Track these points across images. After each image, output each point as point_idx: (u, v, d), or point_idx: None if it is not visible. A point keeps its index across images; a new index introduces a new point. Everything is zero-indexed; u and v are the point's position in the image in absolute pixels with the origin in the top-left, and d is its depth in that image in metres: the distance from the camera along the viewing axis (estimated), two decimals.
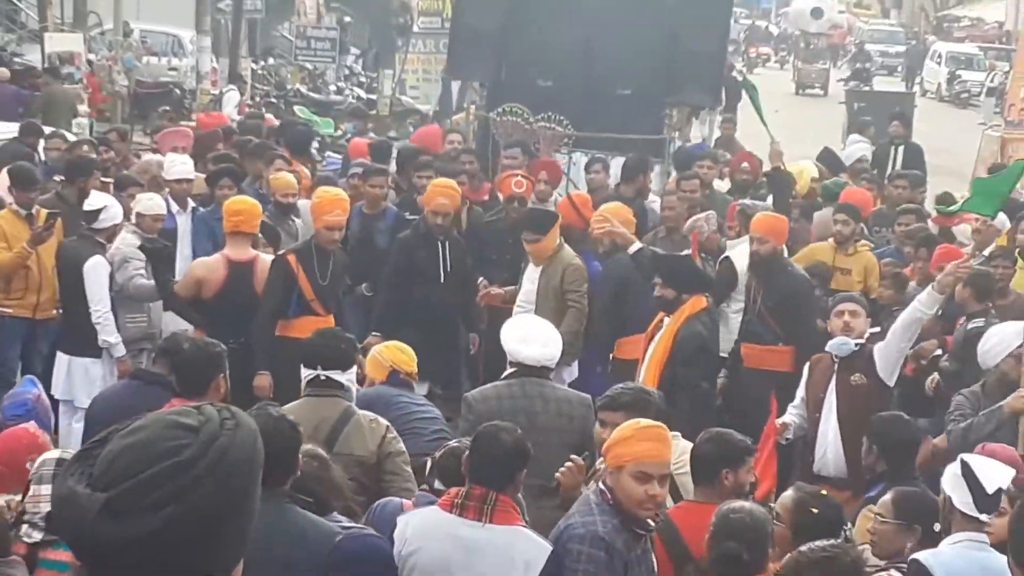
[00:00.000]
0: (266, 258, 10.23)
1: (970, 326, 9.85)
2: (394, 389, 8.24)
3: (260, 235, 10.59)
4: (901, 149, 18.86)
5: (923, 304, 8.75)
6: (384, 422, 7.31)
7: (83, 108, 22.84)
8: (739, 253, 11.12)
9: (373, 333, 10.71)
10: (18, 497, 5.74)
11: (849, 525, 6.74)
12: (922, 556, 5.85)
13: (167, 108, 24.64)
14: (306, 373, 7.40)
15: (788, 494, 6.24)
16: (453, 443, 6.52)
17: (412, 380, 8.43)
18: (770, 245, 10.44)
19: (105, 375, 10.05)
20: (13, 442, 6.18)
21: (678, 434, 7.01)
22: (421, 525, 5.69)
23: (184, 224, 11.76)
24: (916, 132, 30.30)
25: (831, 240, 11.93)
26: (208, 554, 2.32)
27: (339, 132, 22.98)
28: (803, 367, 9.66)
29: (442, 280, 11.11)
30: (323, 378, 7.31)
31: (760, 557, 5.57)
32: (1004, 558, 5.54)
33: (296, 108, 25.24)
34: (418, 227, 11.39)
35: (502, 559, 5.61)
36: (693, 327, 9.41)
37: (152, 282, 10.36)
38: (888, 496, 6.40)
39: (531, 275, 10.88)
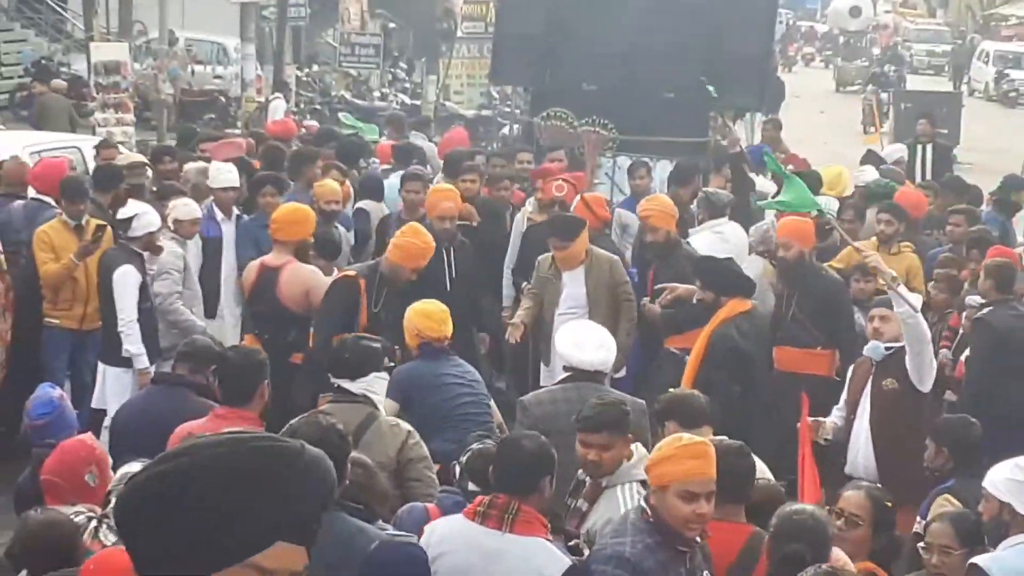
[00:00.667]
0: (298, 267, 10.11)
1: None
2: (433, 365, 8.35)
3: (313, 244, 10.56)
4: (929, 148, 18.70)
5: (897, 307, 8.65)
6: (406, 427, 7.31)
7: (129, 116, 22.92)
8: (699, 240, 11.42)
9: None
10: (98, 509, 5.85)
11: None
12: (981, 561, 5.81)
13: (212, 116, 24.83)
14: (333, 381, 7.46)
15: (856, 494, 6.22)
16: (477, 445, 6.49)
17: (443, 345, 8.49)
18: (795, 250, 10.33)
19: (135, 384, 10.06)
20: (70, 455, 6.21)
21: (724, 438, 6.98)
22: (445, 533, 5.66)
23: (229, 232, 11.76)
24: (964, 132, 30.26)
25: (873, 239, 11.80)
26: None
27: (383, 138, 23.01)
28: (844, 370, 9.74)
29: (448, 288, 10.80)
30: (336, 386, 7.37)
31: (822, 559, 5.53)
32: None
33: (341, 115, 25.25)
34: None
35: (519, 570, 5.54)
36: (726, 330, 9.39)
37: (187, 317, 10.61)
38: (947, 526, 6.20)
39: (574, 279, 10.78)
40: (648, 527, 5.48)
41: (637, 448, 6.41)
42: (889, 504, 6.11)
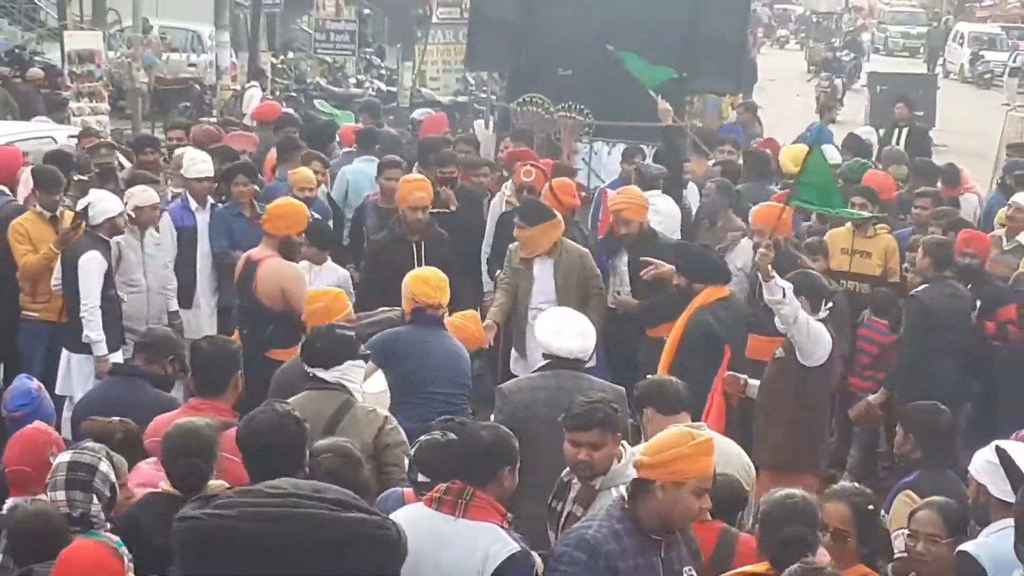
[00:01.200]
0: (275, 263, 9.84)
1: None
2: (420, 332, 8.45)
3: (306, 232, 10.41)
4: (905, 132, 18.69)
5: (769, 294, 8.67)
6: (383, 413, 7.31)
7: (104, 105, 22.83)
8: None
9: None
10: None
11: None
12: (969, 548, 5.80)
13: (187, 104, 24.71)
14: (308, 371, 7.40)
15: (837, 507, 5.97)
16: (425, 437, 6.36)
17: (437, 314, 8.55)
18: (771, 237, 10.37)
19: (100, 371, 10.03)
20: (31, 443, 6.19)
21: (703, 423, 6.98)
22: (403, 519, 5.54)
23: (203, 221, 11.73)
24: (939, 113, 30.31)
25: (848, 223, 11.79)
26: None
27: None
28: None
29: None
30: (310, 375, 7.32)
31: (815, 540, 5.69)
32: None
33: (316, 102, 25.15)
34: (392, 228, 11.10)
35: (464, 552, 5.56)
36: (702, 316, 9.40)
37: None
38: (934, 513, 6.15)
39: (543, 271, 10.70)
40: (621, 514, 5.48)
41: (625, 448, 6.26)
42: (871, 507, 6.02)
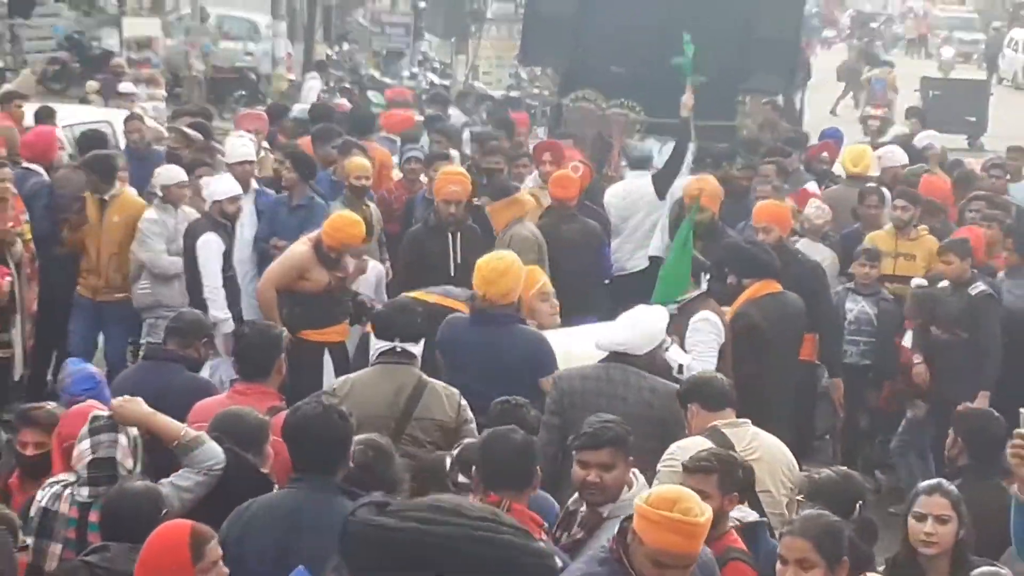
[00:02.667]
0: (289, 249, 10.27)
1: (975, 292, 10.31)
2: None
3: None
4: None
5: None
6: (455, 390, 7.42)
7: (160, 92, 23.05)
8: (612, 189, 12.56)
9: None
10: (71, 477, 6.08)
11: None
12: None
13: (243, 93, 24.90)
14: (380, 344, 7.53)
15: (793, 541, 5.49)
16: (468, 440, 6.40)
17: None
18: (775, 234, 10.44)
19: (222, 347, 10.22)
20: (80, 419, 6.24)
21: (747, 421, 7.07)
22: None
23: (246, 207, 11.78)
24: (992, 120, 30.17)
25: (890, 225, 11.86)
26: None
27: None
28: (826, 354, 10.51)
29: (452, 273, 10.54)
30: (399, 349, 7.44)
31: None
32: None
33: (370, 93, 25.35)
34: (428, 219, 11.07)
35: None
36: (746, 309, 9.36)
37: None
38: (943, 499, 6.04)
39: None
40: (606, 557, 5.12)
41: (637, 477, 6.00)
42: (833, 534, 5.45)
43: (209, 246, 10.46)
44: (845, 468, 6.55)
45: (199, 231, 10.56)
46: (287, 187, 11.83)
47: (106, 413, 6.11)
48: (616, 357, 7.64)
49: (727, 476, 5.90)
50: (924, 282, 11.00)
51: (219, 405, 6.81)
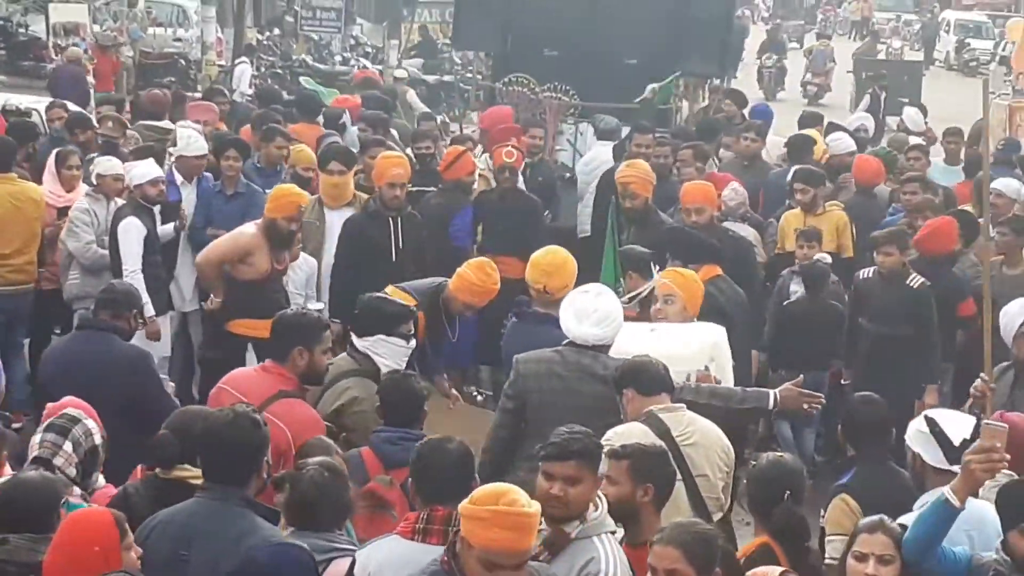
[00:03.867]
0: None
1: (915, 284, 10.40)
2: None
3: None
4: None
5: None
6: (355, 394, 7.45)
7: (88, 79, 22.75)
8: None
9: (331, 319, 10.49)
10: None
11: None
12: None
13: (172, 79, 24.61)
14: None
15: (667, 549, 5.24)
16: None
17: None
18: (707, 213, 10.56)
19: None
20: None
21: (683, 405, 7.01)
22: (384, 558, 5.36)
23: (189, 197, 11.71)
24: (924, 100, 30.30)
25: (797, 209, 12.08)
26: None
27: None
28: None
29: (394, 258, 10.64)
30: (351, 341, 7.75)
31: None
32: (982, 502, 5.86)
33: (302, 79, 25.15)
34: (368, 205, 10.99)
35: None
36: (708, 289, 9.11)
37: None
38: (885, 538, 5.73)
39: (341, 220, 11.05)
40: (436, 569, 4.94)
41: (601, 498, 5.69)
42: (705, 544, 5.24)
43: (129, 230, 10.40)
44: (779, 455, 6.52)
45: (121, 216, 10.53)
46: (231, 175, 11.72)
47: (72, 414, 6.03)
48: (579, 348, 7.51)
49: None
50: (827, 257, 11.17)
51: (248, 378, 7.20)
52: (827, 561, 6.56)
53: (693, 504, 6.73)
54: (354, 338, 7.77)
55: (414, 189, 12.26)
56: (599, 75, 15.94)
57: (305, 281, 10.76)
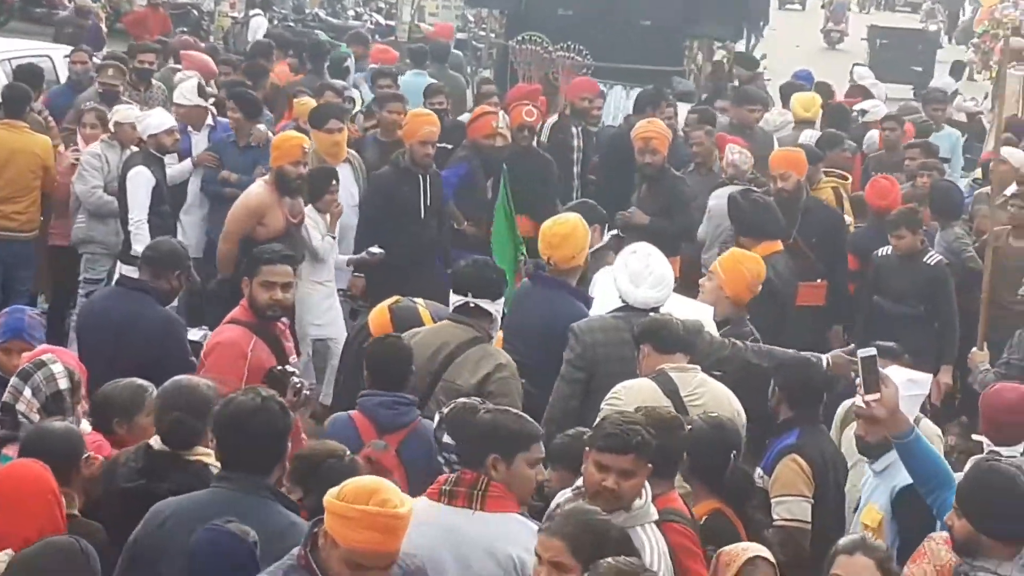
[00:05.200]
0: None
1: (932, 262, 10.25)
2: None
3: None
4: None
5: None
6: (499, 360, 7.16)
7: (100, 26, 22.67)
8: None
9: (354, 274, 10.49)
10: None
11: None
12: (894, 475, 5.96)
13: (184, 30, 24.50)
14: (455, 299, 7.38)
15: (553, 540, 4.89)
16: (463, 400, 6.04)
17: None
18: (793, 179, 10.41)
19: None
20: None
21: (697, 367, 6.97)
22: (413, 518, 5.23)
23: (200, 143, 11.68)
24: (939, 70, 30.19)
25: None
26: None
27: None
28: (836, 300, 10.28)
29: (423, 216, 10.63)
30: (472, 305, 7.29)
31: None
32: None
33: (314, 32, 25.05)
34: (398, 162, 10.86)
35: (494, 550, 5.18)
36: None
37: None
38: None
39: (345, 175, 10.92)
40: (293, 564, 4.65)
41: (647, 489, 5.47)
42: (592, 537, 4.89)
43: (138, 179, 10.34)
44: (719, 417, 6.45)
45: (131, 164, 10.48)
46: (233, 128, 11.64)
47: (41, 359, 5.99)
48: (634, 311, 7.44)
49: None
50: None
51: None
52: (778, 523, 6.53)
53: None
54: (480, 302, 7.28)
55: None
56: (613, 36, 15.91)
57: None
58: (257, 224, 9.69)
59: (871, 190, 11.25)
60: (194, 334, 7.94)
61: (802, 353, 7.68)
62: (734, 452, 6.20)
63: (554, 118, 13.19)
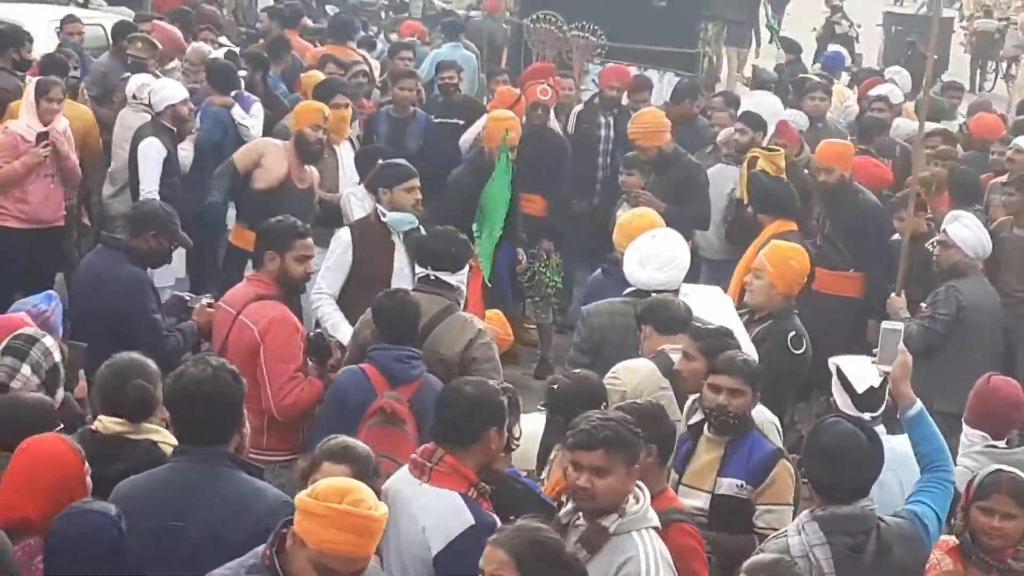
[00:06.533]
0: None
1: None
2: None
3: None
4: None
5: None
6: (479, 326, 7.30)
7: None
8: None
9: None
10: None
11: None
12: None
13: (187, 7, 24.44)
14: (418, 271, 7.54)
15: (497, 551, 4.60)
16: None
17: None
18: (836, 173, 10.46)
19: None
20: (4, 332, 6.06)
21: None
22: (392, 480, 5.39)
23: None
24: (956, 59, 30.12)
25: None
26: None
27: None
28: (872, 292, 10.21)
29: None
30: (432, 278, 7.41)
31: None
32: (901, 439, 5.86)
33: (327, 7, 24.98)
34: (476, 162, 10.82)
35: (414, 521, 5.26)
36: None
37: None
38: None
39: (347, 154, 10.97)
40: (255, 563, 4.44)
41: (643, 490, 5.23)
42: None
43: (149, 150, 10.37)
44: (582, 372, 6.52)
45: (142, 136, 10.49)
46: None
47: (29, 334, 5.91)
48: (643, 294, 7.50)
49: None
50: None
51: (234, 289, 7.46)
52: (764, 530, 6.19)
53: None
54: (440, 275, 7.42)
55: (438, 121, 12.25)
56: (628, 16, 15.84)
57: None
58: (255, 166, 9.93)
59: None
60: (186, 298, 8.05)
61: None
62: (604, 404, 6.06)
63: (579, 106, 13.13)
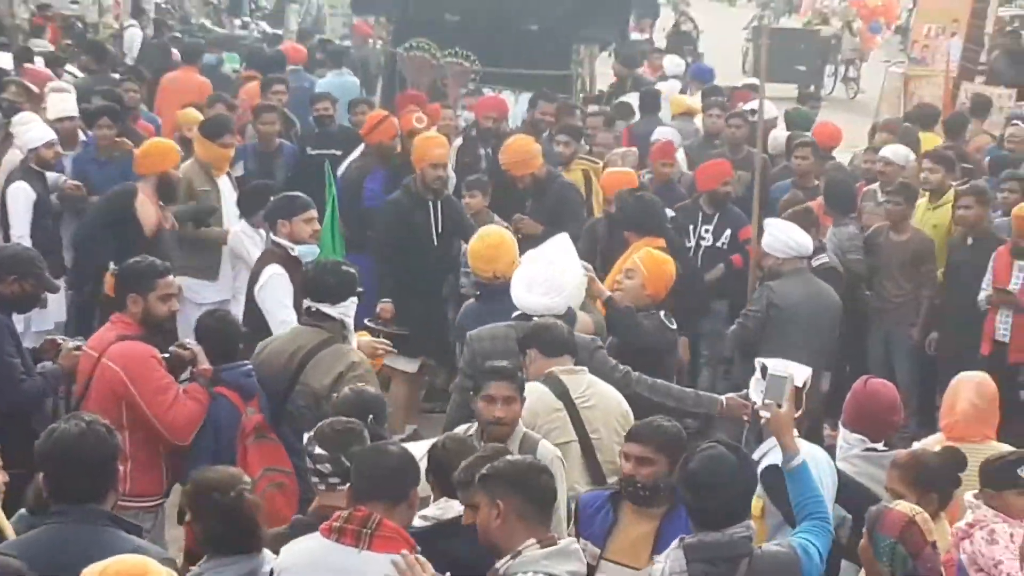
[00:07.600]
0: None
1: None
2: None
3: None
4: None
5: None
6: (352, 359, 7.31)
7: None
8: None
9: (383, 301, 10.33)
10: None
11: None
12: (769, 461, 5.99)
13: (69, 43, 24.21)
14: (305, 303, 7.63)
15: None
16: (348, 390, 6.45)
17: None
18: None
19: None
20: None
21: (584, 368, 7.08)
22: (297, 551, 5.16)
23: (69, 165, 11.50)
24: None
25: None
26: None
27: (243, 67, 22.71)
28: None
29: (435, 243, 10.56)
30: (313, 310, 7.48)
31: None
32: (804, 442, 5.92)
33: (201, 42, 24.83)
34: (410, 187, 10.70)
35: None
36: None
37: None
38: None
39: (227, 186, 11.07)
40: None
41: (564, 537, 5.21)
42: None
43: (18, 195, 10.28)
44: (361, 386, 6.62)
45: (11, 180, 10.39)
46: (104, 144, 11.53)
47: None
48: (528, 318, 7.53)
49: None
50: None
51: (96, 334, 7.39)
52: None
53: (587, 466, 6.82)
54: (320, 307, 7.45)
55: (314, 152, 12.27)
56: (500, 40, 15.95)
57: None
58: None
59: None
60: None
61: (706, 395, 7.80)
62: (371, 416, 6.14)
63: (459, 141, 13.13)
